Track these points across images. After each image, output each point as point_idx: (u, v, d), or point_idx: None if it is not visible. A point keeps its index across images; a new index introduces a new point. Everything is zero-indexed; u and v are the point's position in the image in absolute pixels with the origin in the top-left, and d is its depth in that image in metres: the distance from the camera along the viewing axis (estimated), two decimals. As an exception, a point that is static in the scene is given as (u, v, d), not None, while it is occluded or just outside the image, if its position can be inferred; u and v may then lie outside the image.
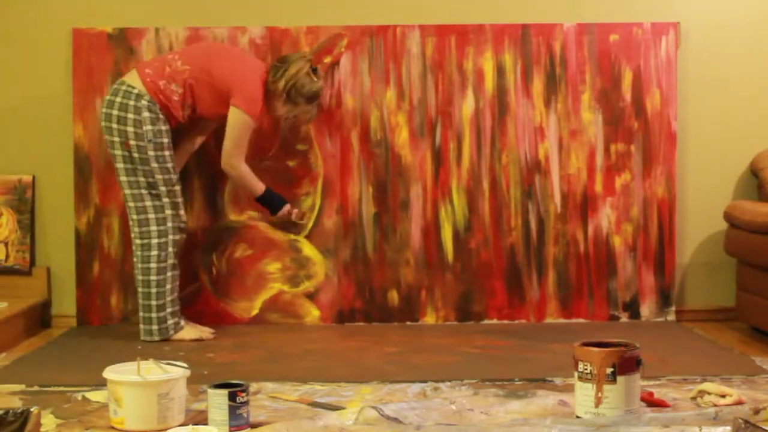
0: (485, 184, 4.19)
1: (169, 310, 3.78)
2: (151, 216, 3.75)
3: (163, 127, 3.74)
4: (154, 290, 3.76)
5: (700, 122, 4.30)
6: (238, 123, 3.78)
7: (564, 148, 4.19)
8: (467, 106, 4.18)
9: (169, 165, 3.76)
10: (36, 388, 3.05)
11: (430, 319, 4.19)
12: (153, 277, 3.75)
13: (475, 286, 4.19)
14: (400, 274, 4.19)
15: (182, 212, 3.82)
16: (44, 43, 4.21)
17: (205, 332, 3.83)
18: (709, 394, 2.77)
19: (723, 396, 2.73)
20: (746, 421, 2.25)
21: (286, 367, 3.34)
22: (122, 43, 4.13)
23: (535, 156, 4.19)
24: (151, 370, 2.63)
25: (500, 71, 4.18)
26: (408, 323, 4.19)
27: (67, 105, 4.17)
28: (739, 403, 2.69)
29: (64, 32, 4.18)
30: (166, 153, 3.75)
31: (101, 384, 2.79)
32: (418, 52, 4.17)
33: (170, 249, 3.77)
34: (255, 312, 4.18)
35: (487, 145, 4.19)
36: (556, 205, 4.19)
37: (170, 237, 3.77)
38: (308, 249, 4.18)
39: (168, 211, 3.77)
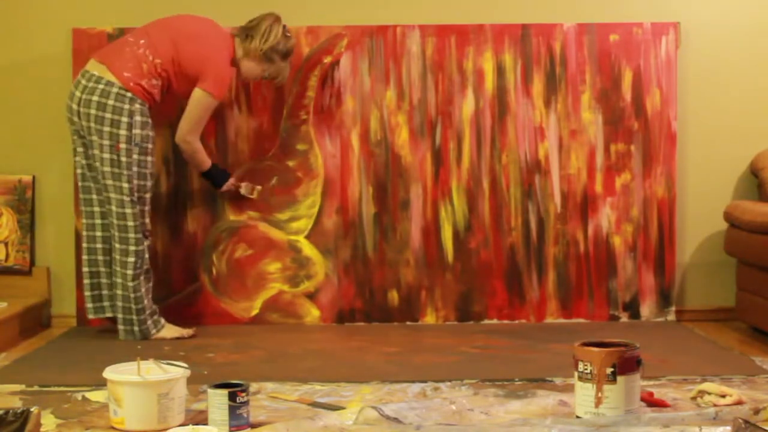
0: (485, 184, 4.19)
1: (148, 312, 3.79)
2: (131, 223, 3.75)
3: (151, 133, 3.78)
4: (132, 295, 3.78)
5: (700, 122, 4.29)
6: (202, 104, 3.82)
7: (564, 148, 4.19)
8: (467, 106, 4.18)
9: (148, 171, 3.79)
10: (36, 388, 3.05)
11: (430, 319, 4.19)
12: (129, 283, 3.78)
13: (475, 286, 4.19)
14: (400, 274, 4.19)
15: (148, 220, 3.83)
16: (44, 43, 4.21)
17: (185, 331, 3.84)
18: (709, 394, 2.77)
19: (723, 396, 2.73)
20: (746, 421, 2.25)
21: (286, 367, 3.34)
22: (122, 43, 4.12)
23: (535, 156, 4.19)
24: (151, 370, 2.63)
25: (500, 71, 4.18)
26: (408, 323, 4.18)
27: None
28: (739, 403, 2.69)
29: (64, 32, 4.18)
30: (149, 158, 3.78)
31: (101, 384, 2.79)
32: (418, 52, 4.17)
33: (146, 256, 3.79)
34: (255, 312, 4.18)
35: (487, 145, 4.19)
36: (556, 205, 4.19)
37: (146, 244, 3.80)
38: (308, 249, 4.18)
39: (141, 219, 3.79)
